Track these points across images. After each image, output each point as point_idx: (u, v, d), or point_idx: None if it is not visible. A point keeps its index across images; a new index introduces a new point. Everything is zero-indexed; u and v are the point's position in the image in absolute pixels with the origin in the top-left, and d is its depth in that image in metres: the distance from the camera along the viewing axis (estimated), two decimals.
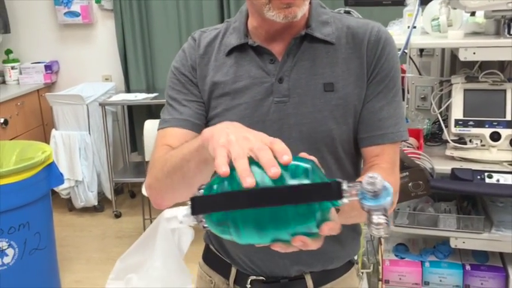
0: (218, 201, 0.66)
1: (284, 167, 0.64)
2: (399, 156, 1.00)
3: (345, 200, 0.64)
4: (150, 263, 0.63)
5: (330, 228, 0.65)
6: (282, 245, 0.67)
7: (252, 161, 0.65)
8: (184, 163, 0.81)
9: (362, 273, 1.15)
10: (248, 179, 0.62)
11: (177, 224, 0.62)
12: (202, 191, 0.68)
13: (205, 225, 0.68)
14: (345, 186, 0.64)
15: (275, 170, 0.62)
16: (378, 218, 0.63)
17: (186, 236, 0.67)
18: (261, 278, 1.04)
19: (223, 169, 0.63)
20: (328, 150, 0.96)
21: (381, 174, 0.75)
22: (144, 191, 2.97)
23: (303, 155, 0.69)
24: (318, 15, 0.98)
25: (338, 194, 0.64)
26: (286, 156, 0.63)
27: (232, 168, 0.65)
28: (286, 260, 1.02)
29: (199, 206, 0.67)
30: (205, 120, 1.01)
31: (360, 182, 0.63)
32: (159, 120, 1.03)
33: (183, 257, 0.71)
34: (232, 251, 1.06)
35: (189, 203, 0.68)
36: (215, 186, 0.67)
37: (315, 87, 0.95)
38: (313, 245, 0.66)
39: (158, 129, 1.02)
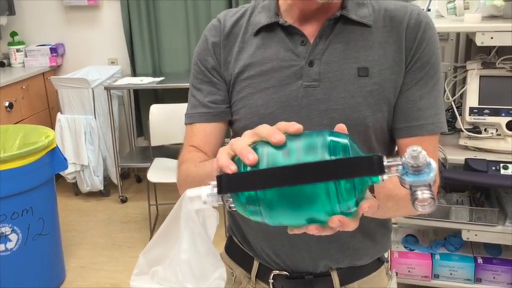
0: (249, 179, 0.60)
1: (323, 144, 0.60)
2: None
3: (385, 177, 0.59)
4: (176, 249, 0.60)
5: (370, 205, 0.61)
6: (317, 227, 0.62)
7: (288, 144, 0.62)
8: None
9: (391, 271, 1.10)
10: (250, 155, 0.60)
11: (200, 205, 0.58)
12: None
13: (232, 206, 0.63)
14: (385, 161, 0.59)
15: (279, 137, 0.60)
16: (422, 194, 0.57)
17: (210, 220, 0.63)
18: (285, 273, 1.00)
19: (226, 166, 0.61)
20: (360, 138, 0.90)
21: None
22: (149, 177, 2.94)
23: (340, 127, 0.65)
24: None
25: (380, 168, 0.59)
26: (296, 125, 0.61)
27: (256, 148, 0.62)
28: (313, 254, 0.97)
29: (226, 184, 0.62)
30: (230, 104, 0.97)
31: (400, 157, 0.59)
32: (185, 113, 1.00)
33: (211, 242, 0.67)
34: (256, 244, 1.01)
35: (213, 182, 0.63)
36: (242, 165, 0.62)
37: (348, 72, 0.89)
38: (351, 224, 0.62)
39: (185, 123, 1.00)
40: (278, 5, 0.94)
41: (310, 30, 0.91)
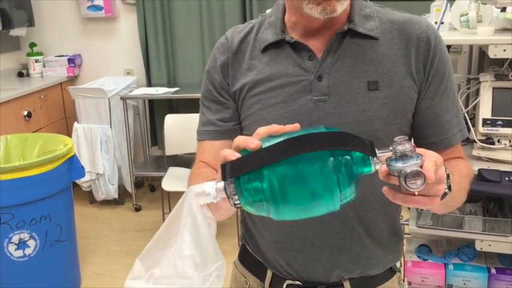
0: (253, 158, 0.63)
1: (319, 130, 0.66)
2: None
3: (376, 166, 0.65)
4: (176, 244, 0.58)
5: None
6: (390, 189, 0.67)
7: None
8: None
9: (403, 281, 1.11)
10: (254, 141, 0.64)
11: (204, 200, 0.57)
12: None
13: (235, 198, 0.64)
14: (376, 150, 0.65)
15: (278, 127, 0.66)
16: (410, 169, 0.61)
17: (210, 228, 0.63)
18: (298, 282, 1.00)
19: (230, 154, 0.66)
20: None
21: (459, 164, 0.93)
22: (164, 186, 2.98)
23: None
24: (361, 8, 0.93)
25: (372, 150, 0.65)
26: (291, 125, 0.67)
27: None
28: (326, 265, 0.98)
29: (230, 169, 0.64)
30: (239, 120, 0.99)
31: (389, 148, 0.65)
32: (196, 130, 1.03)
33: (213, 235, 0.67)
34: (269, 254, 1.02)
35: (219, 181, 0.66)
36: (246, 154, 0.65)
37: (358, 86, 0.90)
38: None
39: (196, 139, 1.03)
40: (284, 21, 0.96)
41: (316, 45, 0.92)
